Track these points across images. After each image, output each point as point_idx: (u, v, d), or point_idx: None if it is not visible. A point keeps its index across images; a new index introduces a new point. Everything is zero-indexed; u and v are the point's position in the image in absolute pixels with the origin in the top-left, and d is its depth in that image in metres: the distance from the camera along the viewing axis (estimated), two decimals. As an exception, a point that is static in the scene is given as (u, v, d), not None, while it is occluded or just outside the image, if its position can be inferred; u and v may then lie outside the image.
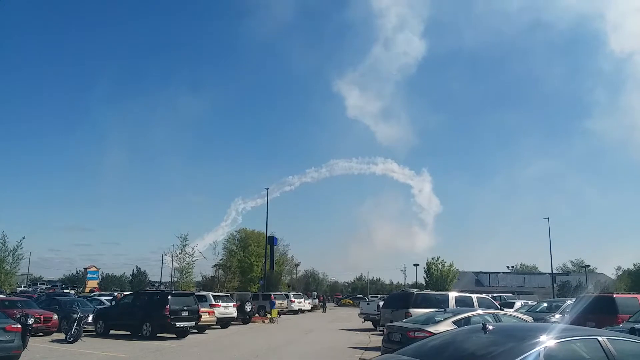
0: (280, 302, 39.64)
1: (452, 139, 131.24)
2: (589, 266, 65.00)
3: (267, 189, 55.56)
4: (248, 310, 30.28)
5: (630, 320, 14.10)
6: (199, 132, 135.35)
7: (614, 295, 17.33)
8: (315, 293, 69.01)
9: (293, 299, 45.58)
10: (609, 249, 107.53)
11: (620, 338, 5.51)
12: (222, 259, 61.60)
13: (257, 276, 58.94)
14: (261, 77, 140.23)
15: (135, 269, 78.60)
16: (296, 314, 43.72)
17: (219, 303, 26.55)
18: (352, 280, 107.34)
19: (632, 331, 11.26)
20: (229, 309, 27.05)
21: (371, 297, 57.22)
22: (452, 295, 18.95)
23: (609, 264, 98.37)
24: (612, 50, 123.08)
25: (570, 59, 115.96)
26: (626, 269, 56.56)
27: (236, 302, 28.93)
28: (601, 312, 15.98)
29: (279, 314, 36.36)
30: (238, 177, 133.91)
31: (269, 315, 32.71)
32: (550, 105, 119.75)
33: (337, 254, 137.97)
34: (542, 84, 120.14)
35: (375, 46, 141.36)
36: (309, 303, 49.96)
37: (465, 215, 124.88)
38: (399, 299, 20.13)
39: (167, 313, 19.71)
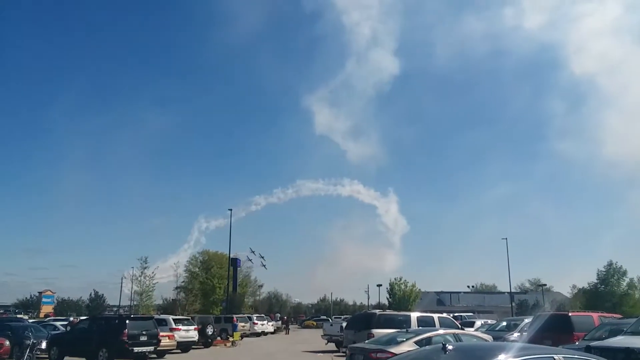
0: (242, 324, 39.06)
1: (421, 159, 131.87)
2: (545, 285, 66.44)
3: (231, 210, 55.07)
4: (210, 333, 29.69)
5: (585, 338, 14.49)
6: (163, 149, 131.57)
7: (570, 314, 17.84)
8: (279, 315, 68.18)
9: (256, 321, 44.95)
10: (565, 268, 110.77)
11: (576, 356, 5.68)
12: (183, 281, 60.44)
13: (219, 298, 57.94)
14: (228, 91, 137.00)
15: (92, 293, 76.00)
16: (259, 336, 43.10)
17: (180, 327, 26.01)
18: (316, 302, 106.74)
19: (588, 349, 11.55)
20: (189, 333, 26.49)
21: (335, 318, 57.01)
22: (414, 315, 19.08)
23: (565, 283, 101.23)
24: (573, 73, 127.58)
25: (533, 83, 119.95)
26: (581, 287, 58.16)
27: (197, 326, 28.37)
28: (558, 330, 16.38)
29: (242, 336, 35.79)
30: (203, 196, 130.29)
31: (231, 339, 32.14)
32: (515, 127, 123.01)
33: (301, 275, 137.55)
34: (507, 106, 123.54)
35: (348, 62, 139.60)
36: (272, 325, 49.34)
37: (430, 235, 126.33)
38: (362, 319, 20.14)
39: (125, 338, 19.12)
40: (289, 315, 78.85)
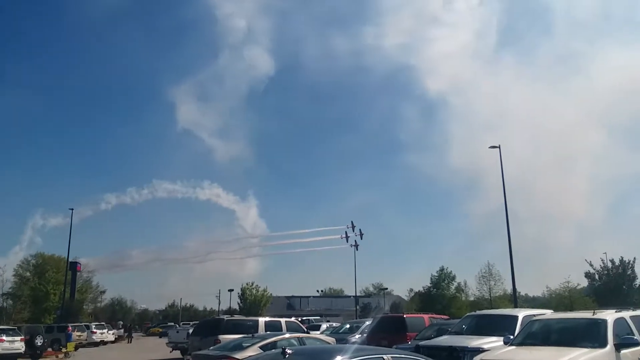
0: (79, 333, 36.22)
1: (289, 163, 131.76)
2: (387, 289, 71.19)
3: (72, 209, 50.99)
4: (39, 344, 26.98)
5: (416, 337, 15.75)
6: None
7: (404, 316, 19.26)
8: (121, 322, 64.30)
9: (95, 330, 41.92)
10: (406, 273, 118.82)
11: (403, 356, 6.16)
12: (11, 288, 54.25)
13: (54, 306, 53.00)
14: (77, 73, 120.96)
15: None
16: (97, 346, 40.25)
17: (3, 337, 23.66)
18: (164, 308, 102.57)
19: (417, 348, 12.54)
20: (14, 344, 24.18)
21: (183, 324, 55.25)
22: (262, 320, 19.19)
23: (405, 287, 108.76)
24: (426, 91, 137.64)
25: (391, 98, 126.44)
26: (417, 291, 63.13)
27: (24, 336, 25.78)
28: (393, 331, 17.60)
29: (77, 347, 33.15)
30: (41, 191, 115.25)
31: (64, 350, 29.55)
32: (375, 138, 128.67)
33: (148, 280, 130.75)
34: (369, 118, 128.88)
35: (220, 55, 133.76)
36: (113, 334, 46.37)
37: (288, 239, 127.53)
38: (209, 325, 19.78)
39: None
40: (133, 322, 74.78)
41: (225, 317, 21.57)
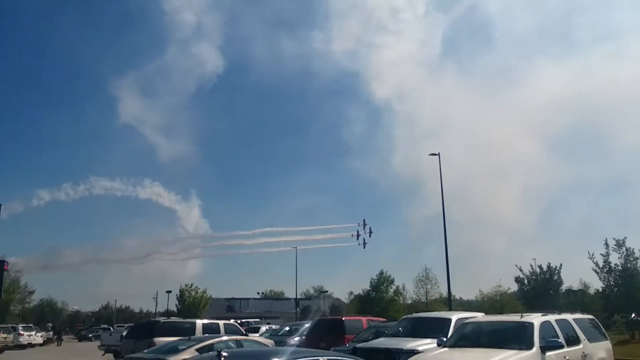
0: (4, 335, 34.59)
1: (236, 163, 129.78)
2: (327, 292, 71.55)
3: (0, 205, 48.26)
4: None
5: (354, 340, 15.93)
6: None
7: (343, 318, 19.44)
8: (51, 324, 61.47)
9: (22, 332, 40.00)
10: (344, 276, 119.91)
11: (339, 358, 6.23)
12: None
13: (-23, 307, 50.13)
14: (16, 58, 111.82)
15: None
16: (25, 348, 38.38)
17: None
18: (98, 309, 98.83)
19: (354, 350, 12.72)
20: None
21: (117, 326, 53.46)
22: (200, 322, 18.86)
23: (344, 290, 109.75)
24: (372, 96, 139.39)
25: (338, 103, 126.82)
26: (357, 294, 63.84)
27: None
28: (332, 333, 17.73)
29: (2, 349, 31.56)
30: None
31: (-14, 353, 28.06)
32: (322, 142, 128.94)
33: (82, 280, 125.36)
34: (316, 123, 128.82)
35: (168, 49, 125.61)
36: (41, 336, 44.29)
37: (230, 240, 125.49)
38: (144, 328, 19.27)
39: None
40: (63, 324, 71.68)
41: (162, 319, 21.08)
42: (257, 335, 24.53)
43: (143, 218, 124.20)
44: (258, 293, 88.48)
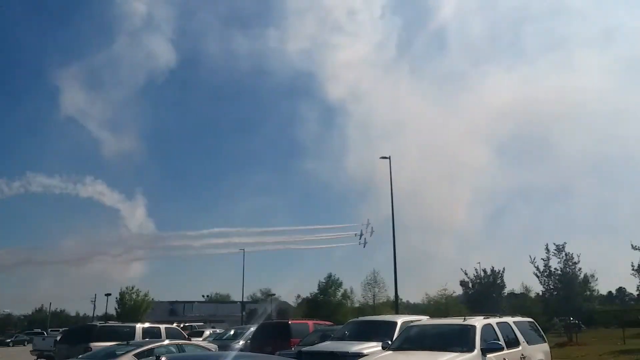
0: None
1: (184, 162, 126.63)
2: (274, 295, 71.04)
3: None
4: None
5: (300, 343, 15.76)
6: None
7: (289, 322, 19.25)
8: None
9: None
10: (293, 279, 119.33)
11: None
12: None
13: None
14: None
15: None
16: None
17: None
18: (31, 313, 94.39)
19: (299, 354, 12.56)
20: None
21: (51, 331, 51.16)
22: (140, 326, 18.21)
23: (292, 293, 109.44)
24: (327, 97, 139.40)
25: (291, 102, 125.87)
26: (305, 297, 63.83)
27: None
28: (278, 337, 17.46)
29: None
30: None
31: None
32: (275, 143, 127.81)
33: (14, 282, 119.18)
34: (269, 122, 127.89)
35: (117, 40, 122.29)
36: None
37: (177, 241, 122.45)
38: (80, 332, 18.47)
39: None
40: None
41: (99, 323, 20.28)
42: (201, 339, 24.05)
43: (83, 217, 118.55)
44: (203, 296, 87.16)
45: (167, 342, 12.98)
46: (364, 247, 61.61)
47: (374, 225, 59.17)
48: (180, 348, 11.89)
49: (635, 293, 33.84)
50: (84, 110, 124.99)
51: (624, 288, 69.26)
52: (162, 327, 18.52)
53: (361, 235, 62.95)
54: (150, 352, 11.01)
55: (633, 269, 23.78)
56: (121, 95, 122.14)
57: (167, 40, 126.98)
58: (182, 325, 28.51)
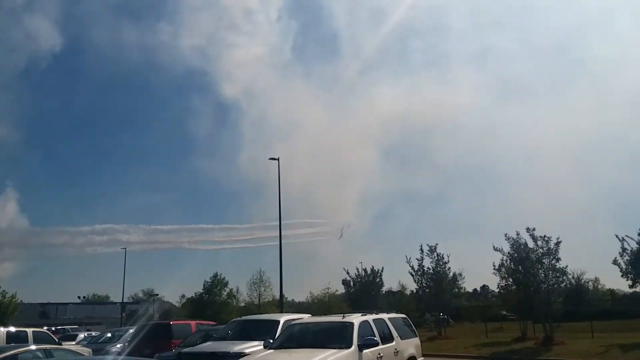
0: None
1: (66, 154, 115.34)
2: (157, 295, 68.61)
3: None
4: None
5: (181, 344, 15.42)
6: None
7: (171, 322, 18.76)
8: None
9: None
10: (177, 279, 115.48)
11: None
12: None
13: None
14: None
15: None
16: None
17: None
18: None
19: (179, 355, 12.34)
20: None
21: None
22: (4, 330, 16.91)
23: (176, 293, 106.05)
24: (221, 95, 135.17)
25: (183, 99, 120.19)
26: (189, 297, 62.23)
27: None
28: (158, 338, 16.95)
29: None
30: None
31: None
32: (166, 139, 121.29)
33: None
34: (160, 118, 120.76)
35: None
36: None
37: (53, 239, 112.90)
38: None
39: None
40: None
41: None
42: (74, 343, 22.68)
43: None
44: (79, 297, 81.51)
45: (33, 347, 12.11)
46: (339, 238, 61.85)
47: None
48: (47, 353, 11.16)
49: (496, 290, 36.97)
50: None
51: (487, 286, 75.17)
52: (29, 330, 17.28)
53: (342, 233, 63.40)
54: (13, 358, 10.26)
55: (494, 268, 25.85)
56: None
57: (51, 22, 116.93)
58: (53, 329, 26.60)
